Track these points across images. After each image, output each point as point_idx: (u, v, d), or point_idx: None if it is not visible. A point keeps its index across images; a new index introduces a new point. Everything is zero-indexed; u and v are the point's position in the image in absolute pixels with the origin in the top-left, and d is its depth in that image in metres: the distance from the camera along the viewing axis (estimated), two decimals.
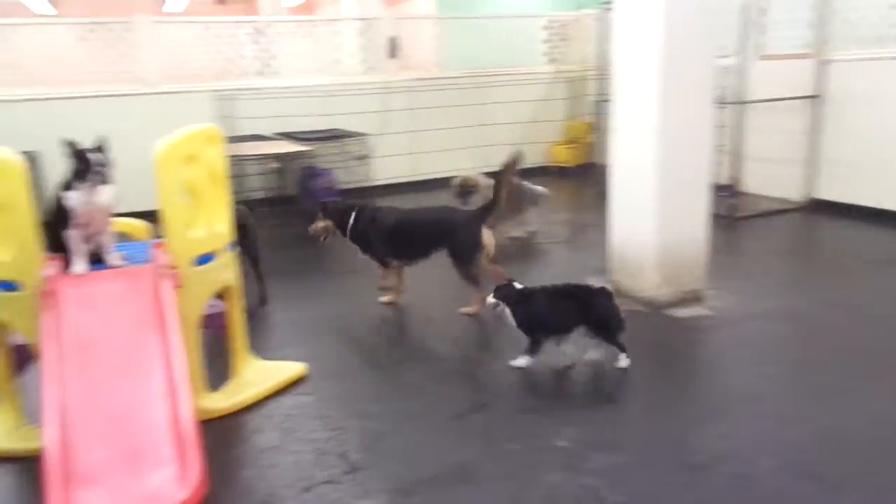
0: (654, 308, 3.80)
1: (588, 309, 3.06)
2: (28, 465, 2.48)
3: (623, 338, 3.11)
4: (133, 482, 2.13)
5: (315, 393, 3.03)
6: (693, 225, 3.89)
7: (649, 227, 3.80)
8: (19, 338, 2.71)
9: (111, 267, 2.65)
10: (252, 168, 6.59)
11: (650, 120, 3.68)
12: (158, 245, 2.70)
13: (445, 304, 3.97)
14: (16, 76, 6.30)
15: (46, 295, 2.42)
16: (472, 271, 3.77)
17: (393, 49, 7.30)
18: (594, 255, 4.51)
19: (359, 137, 6.73)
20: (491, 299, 3.17)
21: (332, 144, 6.59)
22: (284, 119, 6.64)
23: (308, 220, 4.27)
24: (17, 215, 2.43)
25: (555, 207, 6.39)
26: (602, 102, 6.81)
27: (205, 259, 2.79)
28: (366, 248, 4.06)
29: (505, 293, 3.14)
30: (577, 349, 3.19)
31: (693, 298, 3.89)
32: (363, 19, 7.49)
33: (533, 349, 3.13)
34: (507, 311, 3.13)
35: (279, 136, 6.50)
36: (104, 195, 2.54)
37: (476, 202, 5.16)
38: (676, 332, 3.58)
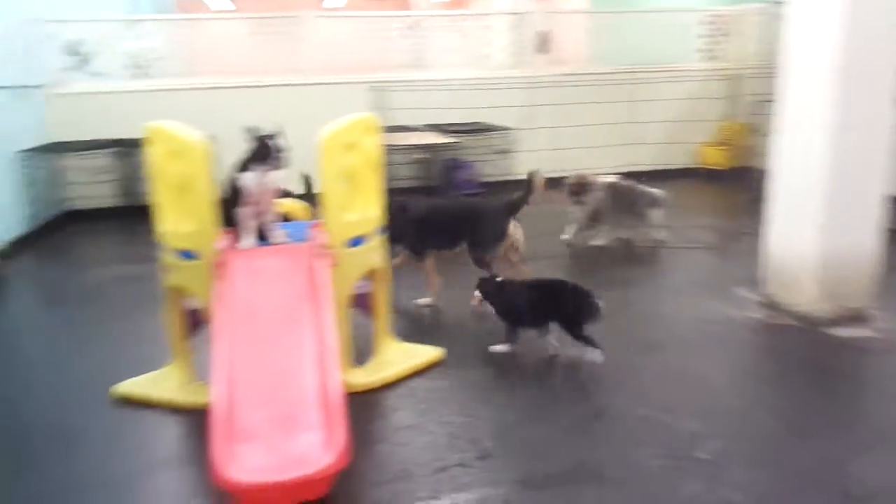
0: (810, 324, 3.55)
1: (557, 302, 3.20)
2: (194, 417, 2.76)
3: (590, 331, 3.14)
4: (285, 442, 2.30)
5: (450, 378, 3.12)
6: (862, 236, 3.58)
7: (812, 235, 3.55)
8: (193, 302, 3.01)
9: (274, 243, 2.87)
10: (398, 157, 6.83)
11: (822, 121, 3.42)
12: (317, 226, 2.89)
13: None
14: (196, 67, 6.95)
15: (219, 265, 2.67)
16: (484, 258, 3.77)
17: (543, 44, 7.28)
18: (744, 264, 4.27)
19: (502, 131, 6.78)
20: (476, 294, 3.40)
21: (476, 137, 6.70)
22: (432, 111, 6.81)
23: None
24: (199, 192, 2.69)
25: (700, 211, 6.12)
26: (763, 102, 6.39)
27: (357, 241, 2.95)
28: (397, 237, 3.92)
29: (485, 287, 3.40)
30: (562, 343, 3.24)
31: (855, 317, 3.59)
32: (514, 14, 7.52)
33: (510, 337, 3.34)
34: (488, 303, 3.38)
35: (426, 128, 6.69)
36: (274, 178, 2.76)
37: (588, 202, 5.10)
38: (837, 352, 3.32)
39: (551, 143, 7.24)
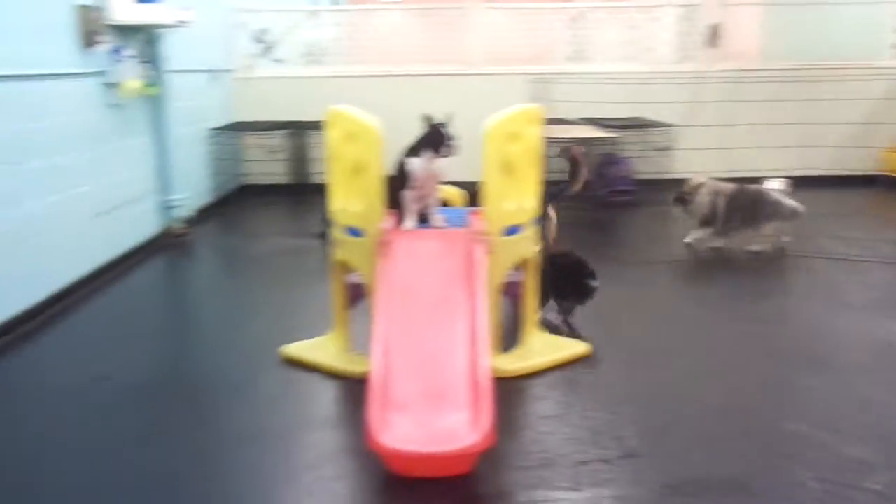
0: None
1: (555, 279, 3.17)
2: (348, 384, 2.96)
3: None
4: (434, 418, 2.41)
5: (596, 373, 3.10)
6: None
7: None
8: (355, 277, 3.21)
9: (434, 227, 2.99)
10: (552, 150, 6.79)
11: None
12: (476, 213, 2.97)
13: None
14: (366, 55, 7.32)
15: (383, 244, 2.83)
16: None
17: (713, 37, 6.93)
18: None
19: (663, 128, 6.55)
20: None
21: (634, 132, 6.52)
22: (591, 104, 6.71)
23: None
24: (371, 174, 2.86)
25: (882, 222, 5.59)
26: None
27: (512, 230, 3.01)
28: None
29: None
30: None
31: None
32: (685, 6, 7.20)
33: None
34: None
35: (583, 121, 6.61)
36: (440, 165, 2.87)
37: (696, 208, 4.93)
38: None
39: (718, 141, 6.89)
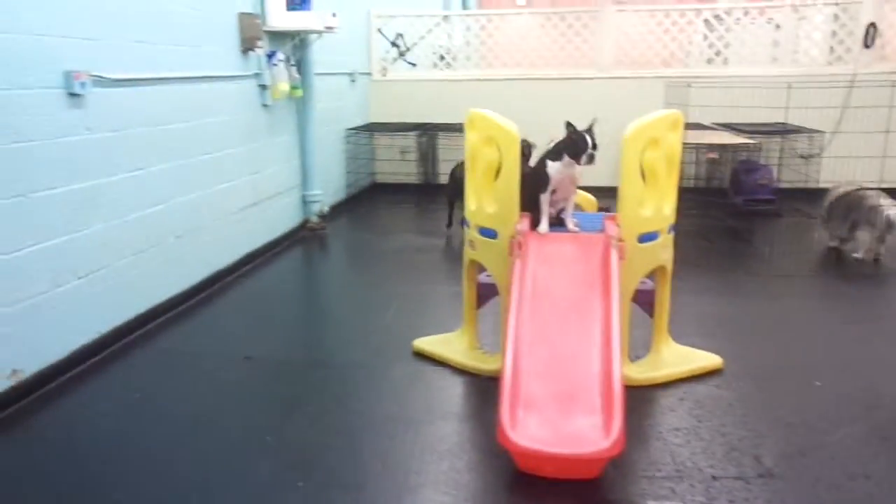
0: None
1: None
2: (475, 380, 3.05)
3: None
4: (563, 419, 2.43)
5: (730, 388, 3.00)
6: None
7: None
8: (485, 276, 3.28)
9: (568, 231, 3.01)
10: (687, 156, 6.58)
11: None
12: (611, 218, 2.96)
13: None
14: (496, 59, 7.40)
15: (517, 246, 2.87)
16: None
17: (870, 37, 6.44)
18: None
19: (809, 134, 6.17)
20: None
21: (776, 139, 6.18)
22: (731, 109, 6.43)
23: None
24: (507, 177, 2.92)
25: None
26: None
27: (648, 237, 2.96)
28: None
29: None
30: None
31: None
32: (838, 4, 6.73)
33: None
34: None
35: (721, 126, 6.35)
36: (577, 169, 2.88)
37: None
38: None
39: (874, 149, 6.37)
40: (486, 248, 3.08)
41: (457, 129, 6.93)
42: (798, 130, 6.17)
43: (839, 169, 6.30)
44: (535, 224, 2.99)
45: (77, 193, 3.16)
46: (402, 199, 7.04)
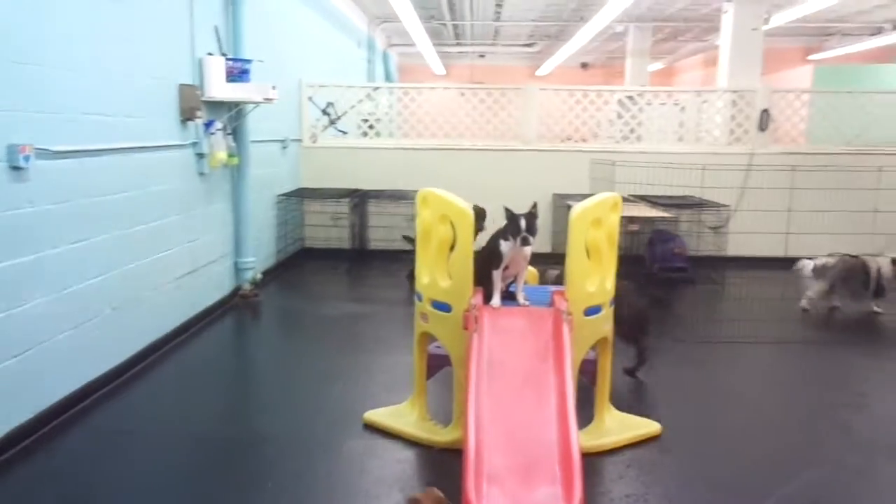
0: None
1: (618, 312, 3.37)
2: (429, 452, 3.09)
3: None
4: (525, 492, 2.50)
5: (670, 454, 3.17)
6: None
7: None
8: (434, 348, 3.36)
9: (520, 304, 3.15)
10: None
11: None
12: (559, 292, 3.12)
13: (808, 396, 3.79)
14: (422, 128, 7.67)
15: (472, 319, 2.98)
16: None
17: (764, 121, 7.15)
18: None
19: (716, 208, 6.69)
20: None
21: (687, 212, 6.67)
22: (640, 185, 6.82)
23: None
24: (462, 253, 3.04)
25: None
26: None
27: (593, 310, 3.14)
28: None
29: None
30: None
31: None
32: (735, 91, 7.45)
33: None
34: None
35: (636, 199, 6.78)
36: (527, 248, 3.05)
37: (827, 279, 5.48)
38: None
39: (775, 224, 6.89)
40: (440, 322, 3.17)
41: (387, 195, 7.08)
42: (706, 204, 6.68)
43: (746, 242, 6.84)
44: (487, 298, 3.12)
45: (18, 268, 3.04)
46: (333, 264, 7.02)
